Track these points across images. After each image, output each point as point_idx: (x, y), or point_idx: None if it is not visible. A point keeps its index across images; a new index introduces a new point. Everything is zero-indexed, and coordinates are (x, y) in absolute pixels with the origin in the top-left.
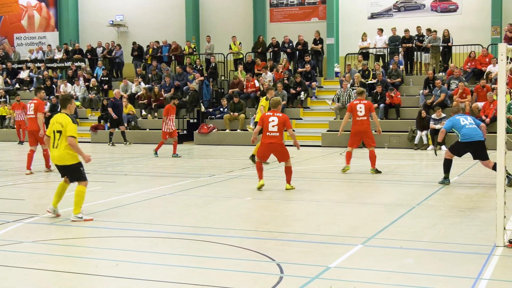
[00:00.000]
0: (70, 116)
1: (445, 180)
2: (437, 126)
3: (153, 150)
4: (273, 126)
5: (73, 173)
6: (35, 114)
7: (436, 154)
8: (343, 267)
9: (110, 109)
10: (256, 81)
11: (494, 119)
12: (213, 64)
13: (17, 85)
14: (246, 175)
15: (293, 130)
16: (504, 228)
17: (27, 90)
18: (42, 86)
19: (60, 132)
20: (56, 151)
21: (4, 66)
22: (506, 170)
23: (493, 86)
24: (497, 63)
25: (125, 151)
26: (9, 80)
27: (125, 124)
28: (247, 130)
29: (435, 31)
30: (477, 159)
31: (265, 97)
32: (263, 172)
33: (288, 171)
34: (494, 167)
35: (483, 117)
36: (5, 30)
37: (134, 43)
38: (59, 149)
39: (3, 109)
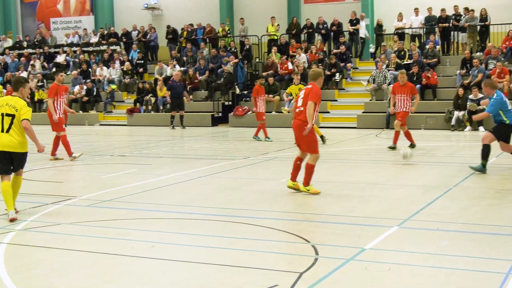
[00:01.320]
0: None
1: (483, 169)
2: None
3: (253, 136)
4: (300, 98)
5: (21, 162)
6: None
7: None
8: (379, 249)
9: (167, 92)
10: (290, 63)
11: None
12: (247, 46)
13: (54, 69)
14: (281, 157)
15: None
16: None
17: (64, 74)
18: (59, 69)
19: (12, 116)
20: (6, 136)
21: (41, 50)
22: None
23: None
24: None
25: (160, 133)
26: (46, 64)
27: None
28: (281, 112)
29: (473, 10)
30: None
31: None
32: (298, 171)
33: (309, 170)
34: None
35: None
36: (42, 15)
37: (168, 26)
38: (10, 135)
39: (42, 92)
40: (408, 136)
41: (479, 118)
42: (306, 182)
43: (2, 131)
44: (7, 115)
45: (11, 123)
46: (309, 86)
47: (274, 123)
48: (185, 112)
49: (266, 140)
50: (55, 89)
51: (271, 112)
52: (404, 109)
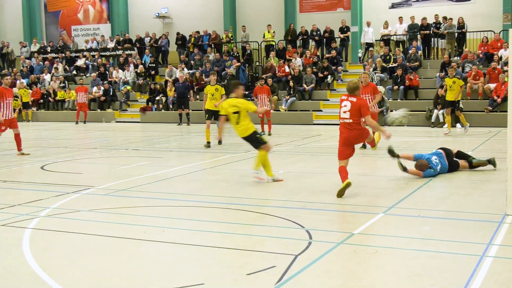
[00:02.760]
0: None
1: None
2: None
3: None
4: (347, 111)
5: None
6: None
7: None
8: (366, 234)
9: (174, 92)
10: (286, 67)
11: (505, 99)
12: (248, 51)
13: (74, 72)
14: (278, 151)
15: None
16: None
17: (84, 76)
18: (6, 72)
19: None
20: None
21: (63, 55)
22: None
23: (504, 68)
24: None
25: (170, 129)
26: (67, 67)
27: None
28: (279, 111)
29: (451, 19)
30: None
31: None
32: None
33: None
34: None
35: (495, 97)
36: (64, 23)
37: (178, 33)
38: None
39: (64, 93)
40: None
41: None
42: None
43: None
44: None
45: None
46: (354, 100)
47: (274, 120)
48: (192, 110)
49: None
50: (1, 92)
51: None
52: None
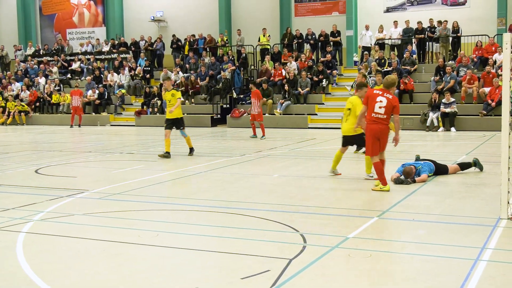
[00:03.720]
0: None
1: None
2: (447, 110)
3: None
4: (382, 107)
5: None
6: None
7: None
8: (361, 238)
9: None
10: (283, 70)
11: (499, 103)
12: (244, 54)
13: (69, 75)
14: (273, 155)
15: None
16: (508, 202)
17: (79, 79)
18: None
19: None
20: None
21: (58, 58)
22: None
23: (498, 72)
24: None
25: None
26: (65, 64)
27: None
28: (274, 114)
29: (446, 21)
30: None
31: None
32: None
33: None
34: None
35: (489, 101)
36: (59, 26)
37: (173, 36)
38: None
39: (58, 96)
40: None
41: None
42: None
43: None
44: None
45: None
46: (390, 97)
47: (269, 124)
48: (187, 114)
49: (252, 137)
50: None
51: (264, 114)
52: None
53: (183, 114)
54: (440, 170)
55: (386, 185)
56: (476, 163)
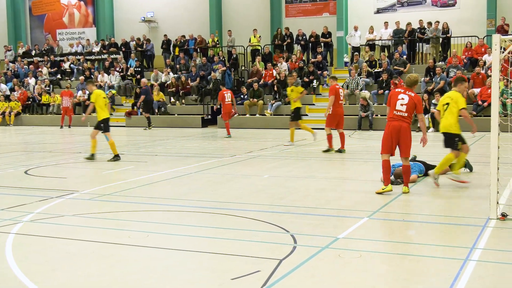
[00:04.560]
0: None
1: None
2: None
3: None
4: (404, 104)
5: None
6: None
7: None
8: (351, 238)
9: (142, 97)
10: (273, 71)
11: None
12: (234, 55)
13: (59, 76)
14: (264, 156)
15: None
16: (497, 203)
17: (69, 80)
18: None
19: None
20: None
21: (48, 58)
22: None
23: (488, 73)
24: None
25: (156, 134)
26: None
27: (152, 111)
28: (265, 115)
29: (437, 22)
30: None
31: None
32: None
33: (407, 171)
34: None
35: (480, 102)
36: (49, 26)
37: (165, 35)
38: None
39: (48, 96)
40: (329, 138)
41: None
42: (407, 183)
43: None
44: None
45: None
46: (412, 95)
47: (259, 124)
48: (178, 114)
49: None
50: None
51: (255, 114)
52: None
53: (175, 114)
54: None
55: (388, 185)
56: (466, 164)
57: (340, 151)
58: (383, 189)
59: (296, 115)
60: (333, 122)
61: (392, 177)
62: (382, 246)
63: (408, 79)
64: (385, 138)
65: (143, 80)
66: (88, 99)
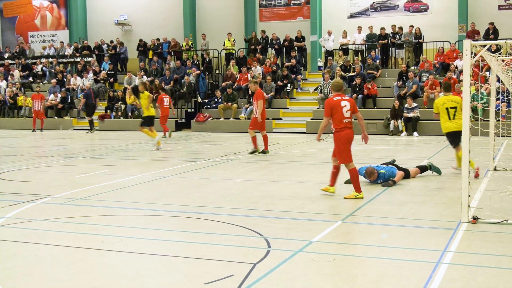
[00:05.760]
0: None
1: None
2: (410, 114)
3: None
4: (347, 111)
5: None
6: None
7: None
8: (324, 242)
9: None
10: (248, 75)
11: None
12: (207, 59)
13: (30, 79)
14: (238, 159)
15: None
16: (469, 206)
17: (41, 83)
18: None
19: None
20: None
21: (20, 61)
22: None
23: (460, 78)
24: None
25: (129, 137)
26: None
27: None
28: (239, 119)
29: (411, 26)
30: None
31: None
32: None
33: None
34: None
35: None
36: (21, 28)
37: (140, 40)
38: None
39: (21, 99)
40: (254, 140)
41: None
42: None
43: None
44: None
45: None
46: (348, 98)
47: (233, 128)
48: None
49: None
50: None
51: (229, 118)
52: (254, 115)
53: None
54: (405, 172)
55: (360, 193)
56: (431, 166)
57: (264, 152)
58: (355, 196)
59: (147, 121)
60: (258, 125)
61: (380, 181)
62: (356, 250)
63: (337, 84)
64: (345, 147)
65: (87, 83)
66: (62, 102)
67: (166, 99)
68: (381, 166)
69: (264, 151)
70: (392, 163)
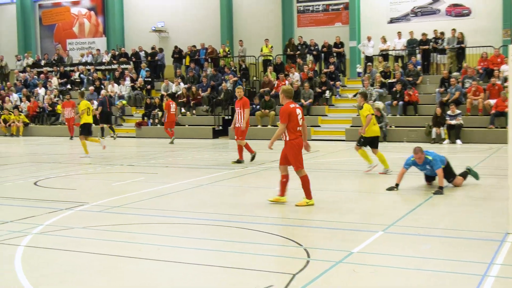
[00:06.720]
0: None
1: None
2: (453, 122)
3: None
4: (300, 119)
5: None
6: None
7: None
8: (365, 252)
9: (100, 108)
10: (286, 81)
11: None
12: (243, 66)
13: (68, 86)
14: (275, 167)
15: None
16: None
17: (78, 90)
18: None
19: None
20: None
21: (58, 68)
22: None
23: (504, 84)
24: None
25: (166, 144)
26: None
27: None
28: (276, 126)
29: (454, 29)
30: None
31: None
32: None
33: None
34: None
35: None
36: (59, 36)
37: (176, 47)
38: None
39: (59, 106)
40: (240, 150)
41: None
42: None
43: None
44: None
45: None
46: (299, 106)
47: (271, 135)
48: (188, 125)
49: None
50: None
51: (266, 125)
52: (239, 124)
53: (186, 125)
54: (449, 170)
55: (311, 199)
56: (470, 170)
57: (239, 161)
58: (307, 203)
59: (85, 129)
60: (243, 133)
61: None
62: (397, 261)
63: (290, 91)
64: (299, 154)
65: (102, 91)
66: (96, 109)
67: (173, 106)
68: (430, 152)
69: (239, 161)
70: (469, 170)
